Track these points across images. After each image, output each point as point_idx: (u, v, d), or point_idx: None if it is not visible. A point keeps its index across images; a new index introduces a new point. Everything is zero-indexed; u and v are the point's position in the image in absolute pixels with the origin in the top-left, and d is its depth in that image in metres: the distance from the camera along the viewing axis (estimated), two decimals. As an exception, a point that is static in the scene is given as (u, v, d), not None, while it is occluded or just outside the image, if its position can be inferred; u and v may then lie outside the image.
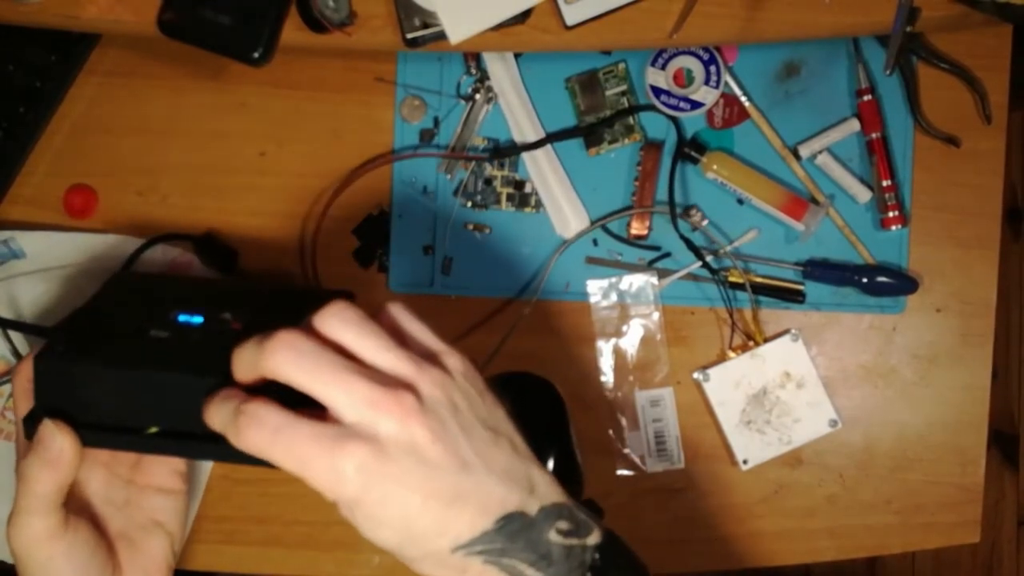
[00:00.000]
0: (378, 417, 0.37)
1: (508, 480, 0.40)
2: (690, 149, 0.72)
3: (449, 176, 0.73)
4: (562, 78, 0.73)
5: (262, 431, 0.38)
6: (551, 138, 0.72)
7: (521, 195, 0.73)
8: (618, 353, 0.74)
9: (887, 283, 0.73)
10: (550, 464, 0.69)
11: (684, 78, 0.72)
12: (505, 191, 0.73)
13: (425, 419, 0.38)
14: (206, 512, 0.71)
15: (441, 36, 0.59)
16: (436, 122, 0.72)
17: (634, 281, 0.74)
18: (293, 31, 0.60)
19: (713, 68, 0.71)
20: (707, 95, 0.71)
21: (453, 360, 0.42)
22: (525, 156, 0.73)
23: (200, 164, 0.72)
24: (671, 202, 0.72)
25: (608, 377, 0.74)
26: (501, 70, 0.72)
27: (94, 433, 0.46)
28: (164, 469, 0.52)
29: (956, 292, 0.75)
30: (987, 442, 0.76)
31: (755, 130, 0.74)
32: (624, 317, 0.74)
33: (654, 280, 0.74)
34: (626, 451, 0.74)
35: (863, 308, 0.75)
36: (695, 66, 0.71)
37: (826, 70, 0.74)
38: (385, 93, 0.72)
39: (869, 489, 0.75)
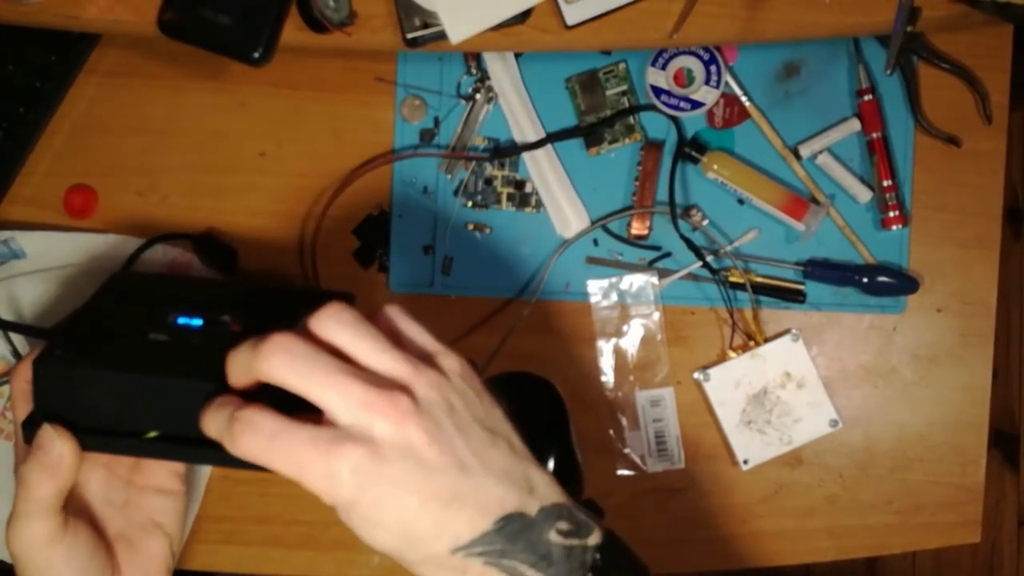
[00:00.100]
0: (373, 419, 0.37)
1: (507, 481, 0.40)
2: (690, 149, 0.72)
3: (449, 176, 0.73)
4: (562, 78, 0.73)
5: (257, 437, 0.38)
6: (551, 138, 0.72)
7: (521, 195, 0.73)
8: (618, 353, 0.74)
9: (887, 283, 0.73)
10: (550, 464, 0.69)
11: (684, 78, 0.72)
12: (505, 191, 0.73)
13: (420, 420, 0.38)
14: (206, 512, 0.71)
15: (441, 36, 0.59)
16: (436, 122, 0.72)
17: (634, 281, 0.74)
18: (293, 31, 0.60)
19: (713, 68, 0.71)
20: (707, 95, 0.71)
21: (450, 361, 0.42)
22: (525, 156, 0.73)
23: (200, 164, 0.72)
24: (671, 202, 0.72)
25: (608, 377, 0.74)
26: (501, 70, 0.72)
27: (93, 437, 0.46)
28: (163, 470, 0.52)
29: (956, 292, 0.75)
30: (987, 442, 0.76)
31: (755, 130, 0.74)
32: (624, 317, 0.74)
33: (654, 280, 0.74)
34: (626, 451, 0.74)
35: (863, 308, 0.75)
36: (695, 66, 0.71)
37: (826, 70, 0.74)
38: (385, 93, 0.72)
39: (869, 489, 0.75)
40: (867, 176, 0.74)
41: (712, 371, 0.73)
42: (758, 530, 0.75)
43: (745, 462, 0.73)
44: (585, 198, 0.73)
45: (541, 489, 0.41)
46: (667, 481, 0.75)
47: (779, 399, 0.73)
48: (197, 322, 0.49)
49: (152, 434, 0.45)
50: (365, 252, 0.73)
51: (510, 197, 0.73)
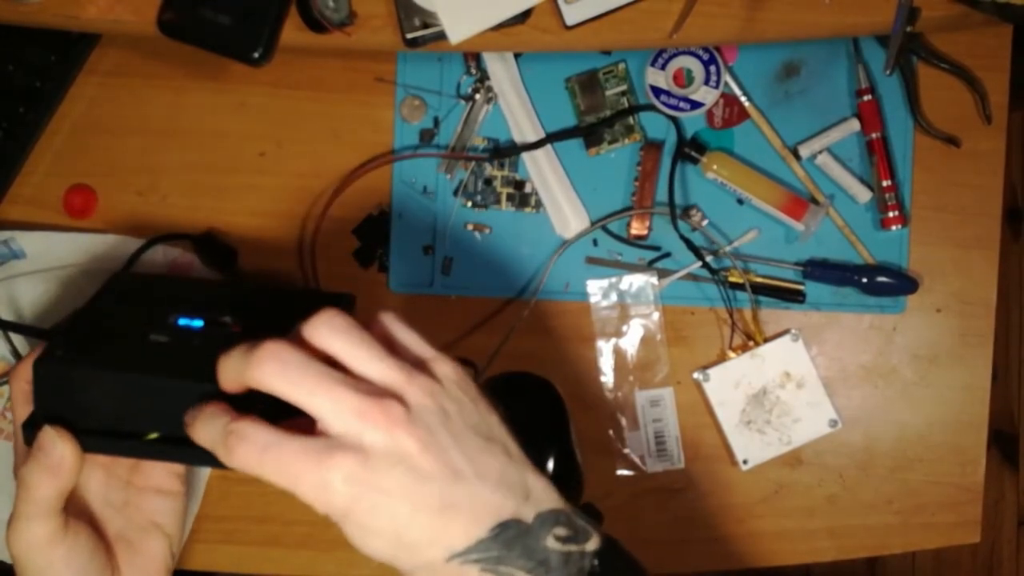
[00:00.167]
0: (364, 427, 0.37)
1: (502, 487, 0.39)
2: (690, 149, 0.72)
3: (449, 176, 0.73)
4: (562, 78, 0.73)
5: (251, 450, 0.38)
6: (551, 138, 0.72)
7: (521, 195, 0.73)
8: (618, 353, 0.74)
9: (887, 283, 0.73)
10: (550, 464, 0.69)
11: (684, 78, 0.72)
12: (505, 191, 0.73)
13: (413, 428, 0.38)
14: (206, 512, 0.71)
15: (441, 36, 0.59)
16: (436, 122, 0.72)
17: (634, 281, 0.74)
18: (293, 31, 0.60)
19: (713, 68, 0.71)
20: (707, 95, 0.71)
21: (444, 367, 0.42)
22: (525, 156, 0.73)
23: (200, 164, 0.72)
24: (671, 202, 0.72)
25: (608, 377, 0.74)
26: (501, 70, 0.72)
27: (94, 438, 0.46)
28: (163, 471, 0.52)
29: (956, 292, 0.75)
30: (987, 442, 0.76)
31: (755, 130, 0.74)
32: (624, 317, 0.74)
33: (654, 280, 0.74)
34: (626, 451, 0.74)
35: (863, 308, 0.75)
36: (695, 66, 0.71)
37: (826, 70, 0.74)
38: (385, 93, 0.72)
39: (869, 489, 0.75)
40: (867, 176, 0.74)
41: (712, 371, 0.73)
42: (758, 530, 0.75)
43: (745, 462, 0.73)
44: (585, 198, 0.73)
45: (538, 495, 0.41)
46: (667, 481, 0.75)
47: (779, 399, 0.73)
48: (198, 323, 0.49)
49: (153, 436, 0.45)
50: (365, 252, 0.73)
51: (510, 197, 0.73)
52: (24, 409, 0.47)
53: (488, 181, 0.73)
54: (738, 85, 0.73)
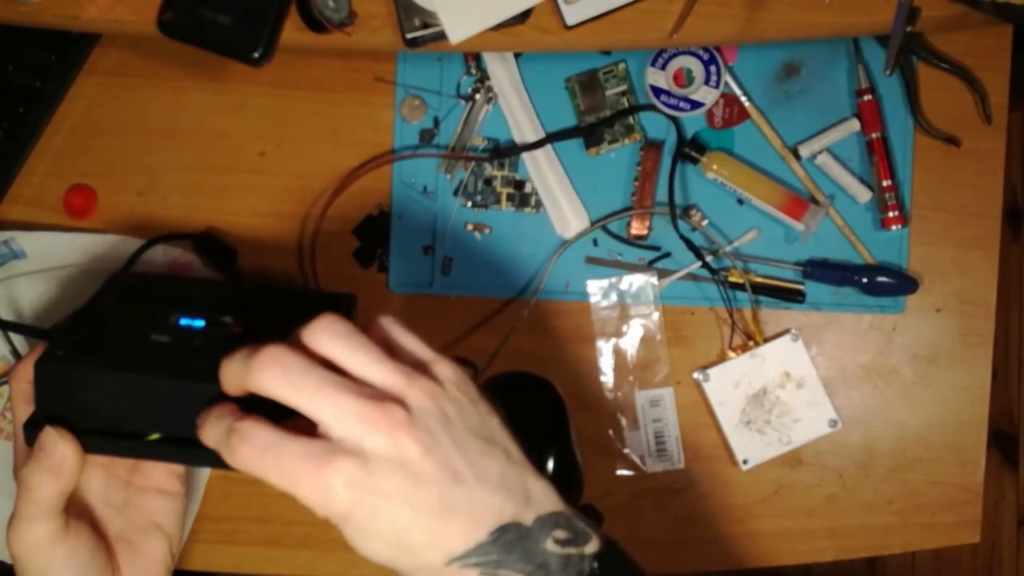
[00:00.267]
0: (365, 431, 0.37)
1: (502, 490, 0.39)
2: (690, 149, 0.72)
3: (449, 176, 0.73)
4: (562, 78, 0.73)
5: (253, 450, 0.38)
6: (551, 138, 0.72)
7: (521, 195, 0.73)
8: (618, 353, 0.74)
9: (887, 283, 0.73)
10: (550, 465, 0.69)
11: (684, 78, 0.72)
12: (505, 191, 0.73)
13: (414, 432, 0.38)
14: (206, 512, 0.71)
15: (441, 36, 0.59)
16: (436, 122, 0.72)
17: (634, 281, 0.74)
18: (293, 31, 0.60)
19: (713, 68, 0.71)
20: (707, 95, 0.71)
21: (445, 370, 0.42)
22: (525, 156, 0.73)
23: (200, 164, 0.72)
24: (671, 202, 0.72)
25: (608, 377, 0.74)
26: (501, 70, 0.72)
27: (95, 439, 0.46)
28: (163, 471, 0.52)
29: (956, 292, 0.75)
30: (987, 442, 0.76)
31: (755, 130, 0.74)
32: (624, 317, 0.74)
33: (654, 280, 0.74)
34: (626, 451, 0.74)
35: (863, 308, 0.75)
36: (695, 66, 0.71)
37: (826, 70, 0.74)
38: (385, 93, 0.72)
39: (869, 489, 0.75)
40: (867, 176, 0.74)
41: (712, 371, 0.73)
42: (758, 530, 0.75)
43: (745, 462, 0.73)
44: (585, 198, 0.73)
45: (538, 497, 0.41)
46: (667, 481, 0.75)
47: (779, 399, 0.73)
48: (199, 323, 0.49)
49: (154, 436, 0.45)
50: (365, 252, 0.73)
51: (510, 197, 0.73)
52: (24, 409, 0.47)
53: (488, 181, 0.73)
54: (738, 85, 0.73)
